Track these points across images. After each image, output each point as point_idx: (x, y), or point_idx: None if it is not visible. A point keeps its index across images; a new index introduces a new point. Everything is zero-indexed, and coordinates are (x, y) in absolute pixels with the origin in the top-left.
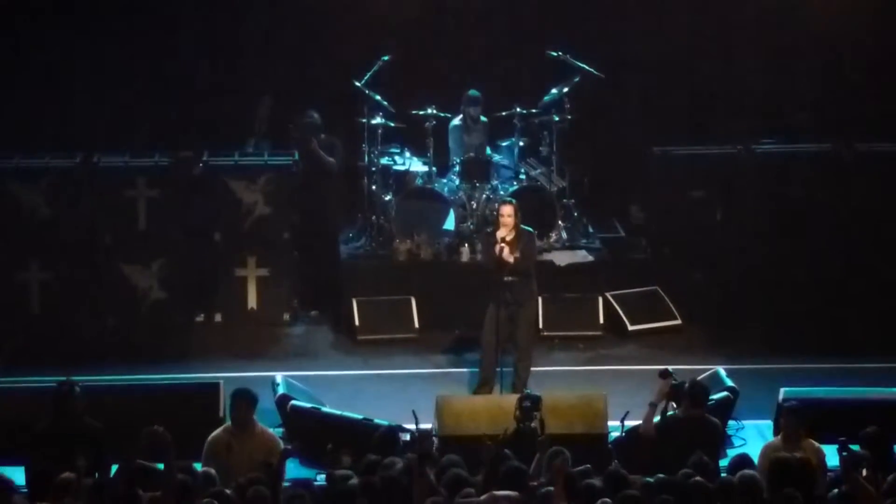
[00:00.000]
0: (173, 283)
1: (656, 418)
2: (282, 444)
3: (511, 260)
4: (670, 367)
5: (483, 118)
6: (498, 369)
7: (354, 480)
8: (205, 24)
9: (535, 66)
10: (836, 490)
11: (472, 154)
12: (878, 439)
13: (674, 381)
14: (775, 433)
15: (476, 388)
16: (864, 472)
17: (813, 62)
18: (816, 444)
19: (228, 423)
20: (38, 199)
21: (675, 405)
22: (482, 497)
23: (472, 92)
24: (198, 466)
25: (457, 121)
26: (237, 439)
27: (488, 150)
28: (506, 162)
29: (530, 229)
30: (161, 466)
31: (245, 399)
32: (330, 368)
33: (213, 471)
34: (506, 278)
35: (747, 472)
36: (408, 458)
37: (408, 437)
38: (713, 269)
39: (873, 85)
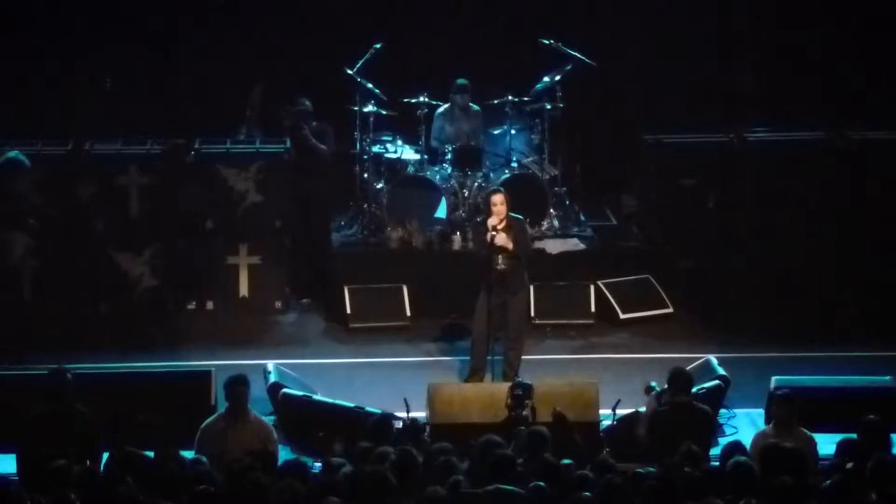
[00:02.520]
0: (165, 271)
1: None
2: (275, 433)
3: (504, 244)
4: (652, 382)
5: (476, 107)
6: (489, 358)
7: (348, 468)
8: (198, 12)
9: (528, 53)
10: (828, 481)
11: (463, 142)
12: (878, 427)
13: (656, 391)
14: (767, 421)
15: (467, 377)
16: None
17: (808, 49)
18: (808, 432)
19: (222, 410)
20: (31, 186)
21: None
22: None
23: (460, 80)
24: (189, 454)
25: (443, 108)
26: (232, 427)
27: (482, 139)
28: (498, 150)
29: (520, 217)
30: (150, 454)
31: (243, 385)
32: (322, 356)
33: (204, 458)
34: (498, 266)
35: (741, 458)
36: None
37: (400, 424)
38: (705, 257)
39: (867, 73)
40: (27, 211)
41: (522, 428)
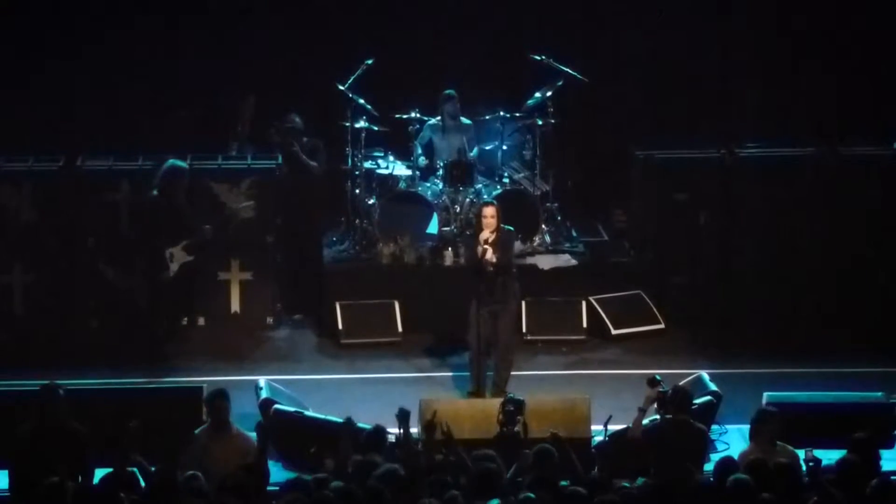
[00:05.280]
0: (155, 287)
1: (645, 421)
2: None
3: (494, 260)
4: (658, 375)
5: (467, 120)
6: (488, 373)
7: (338, 482)
8: (189, 26)
9: (519, 69)
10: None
11: (454, 157)
12: (868, 444)
13: (661, 389)
14: (751, 437)
15: (468, 394)
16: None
17: (799, 65)
18: (790, 447)
19: (205, 426)
20: (22, 201)
21: (661, 411)
22: None
23: (447, 91)
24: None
25: (433, 121)
26: (214, 441)
27: (474, 151)
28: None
29: (510, 228)
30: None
31: (224, 399)
32: (313, 372)
33: (199, 473)
34: (488, 278)
35: (741, 476)
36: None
37: (392, 438)
38: (697, 272)
39: (858, 89)
40: (186, 224)
41: (528, 451)
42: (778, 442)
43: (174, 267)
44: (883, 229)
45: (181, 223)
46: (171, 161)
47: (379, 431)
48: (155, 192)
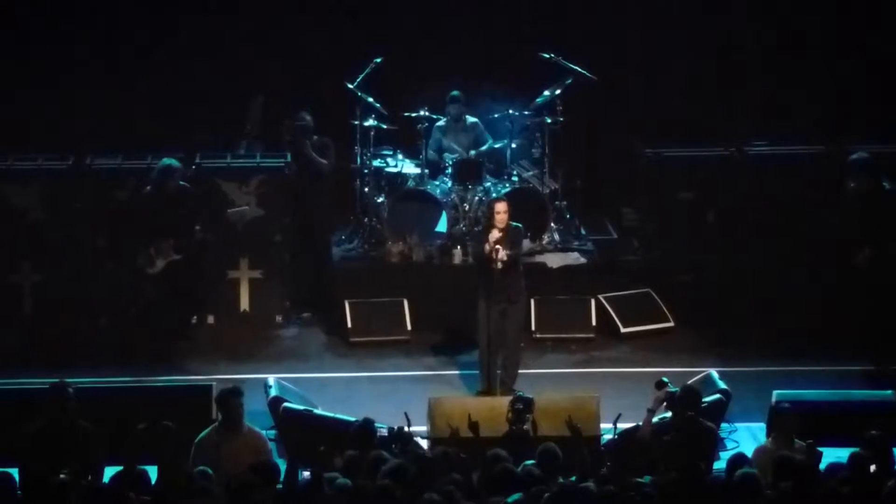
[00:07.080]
0: (166, 285)
1: (654, 419)
2: (268, 442)
3: (505, 258)
4: (665, 377)
5: (473, 119)
6: (498, 371)
7: (345, 481)
8: (198, 25)
9: (528, 67)
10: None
11: (462, 156)
12: (881, 442)
13: (669, 389)
14: (768, 436)
15: (478, 392)
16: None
17: (808, 62)
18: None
19: (215, 424)
20: (31, 200)
21: (671, 411)
22: None
23: (452, 92)
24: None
25: (441, 121)
26: (226, 439)
27: (487, 145)
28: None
29: (519, 225)
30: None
31: (237, 397)
32: (322, 370)
33: (209, 470)
34: (498, 275)
35: (748, 470)
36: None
37: (385, 432)
38: (705, 270)
39: (867, 86)
40: (178, 222)
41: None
42: (796, 440)
43: (160, 263)
44: (888, 228)
45: (172, 221)
46: (164, 160)
47: (368, 424)
48: (148, 189)
